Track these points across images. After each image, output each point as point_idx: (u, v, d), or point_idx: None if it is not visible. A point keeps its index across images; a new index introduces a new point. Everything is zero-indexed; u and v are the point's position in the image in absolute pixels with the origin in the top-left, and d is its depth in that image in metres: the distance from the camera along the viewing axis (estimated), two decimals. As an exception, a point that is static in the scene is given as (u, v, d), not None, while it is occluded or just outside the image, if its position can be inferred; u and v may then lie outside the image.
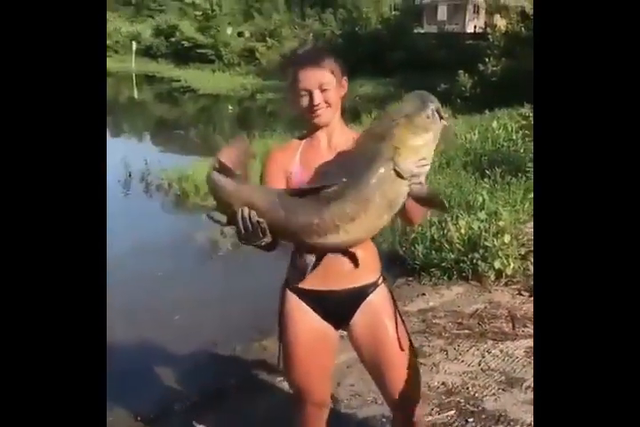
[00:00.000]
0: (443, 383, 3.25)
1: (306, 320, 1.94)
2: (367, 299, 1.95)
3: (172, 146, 13.27)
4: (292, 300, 1.96)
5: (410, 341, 2.02)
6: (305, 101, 1.84)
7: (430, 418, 2.91)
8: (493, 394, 3.12)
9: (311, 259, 1.72)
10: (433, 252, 5.01)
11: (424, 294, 4.62)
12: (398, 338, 1.95)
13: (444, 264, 4.89)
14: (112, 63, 36.33)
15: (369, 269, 1.95)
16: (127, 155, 9.01)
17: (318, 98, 1.83)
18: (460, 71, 15.85)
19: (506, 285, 4.65)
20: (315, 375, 2.00)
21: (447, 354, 3.60)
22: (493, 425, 2.84)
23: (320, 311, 1.95)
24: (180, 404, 3.26)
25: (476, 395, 3.12)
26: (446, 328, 3.97)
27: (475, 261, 4.76)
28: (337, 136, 1.91)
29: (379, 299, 1.96)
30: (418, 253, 5.05)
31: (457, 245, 4.93)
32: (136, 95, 26.93)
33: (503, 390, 3.15)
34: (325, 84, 1.84)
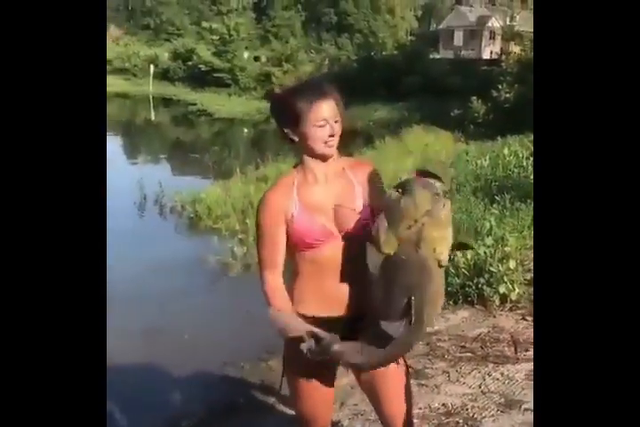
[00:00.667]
0: (443, 404, 3.33)
1: None
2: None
3: (188, 169, 13.47)
4: None
5: (405, 364, 2.06)
6: (322, 132, 1.85)
7: (429, 438, 3.00)
8: (492, 415, 3.19)
9: None
10: (439, 276, 5.09)
11: (429, 318, 4.70)
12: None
13: (449, 289, 4.97)
14: (130, 86, 36.97)
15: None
16: (143, 177, 9.20)
17: (337, 128, 1.87)
18: (474, 97, 16.03)
19: (510, 310, 4.72)
20: (318, 401, 2.05)
21: (449, 376, 3.68)
22: (491, 445, 2.92)
23: None
24: (188, 421, 3.36)
25: (475, 416, 3.20)
26: (449, 351, 4.05)
27: (480, 286, 4.84)
28: (331, 168, 1.94)
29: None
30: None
31: (463, 270, 5.02)
32: (153, 117, 27.28)
33: (502, 411, 3.22)
34: (337, 115, 1.88)
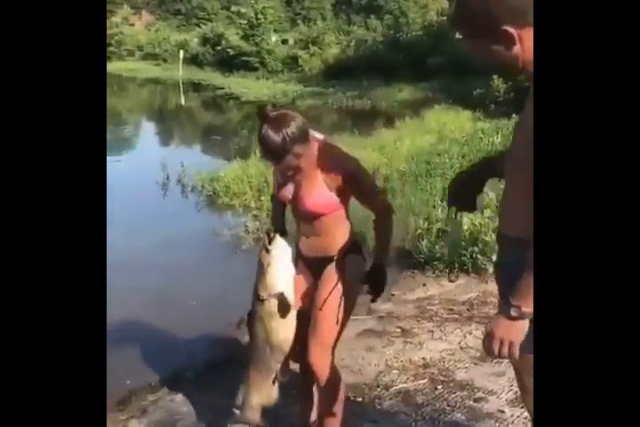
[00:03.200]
0: (423, 358, 3.62)
1: None
2: (327, 266, 2.46)
3: (210, 151, 13.84)
4: None
5: (341, 307, 2.44)
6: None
7: (404, 385, 3.29)
8: (465, 367, 3.48)
9: None
10: (436, 246, 5.36)
11: (424, 285, 4.98)
12: (325, 299, 2.42)
13: (446, 258, 5.23)
14: (161, 71, 37.42)
15: (331, 249, 2.47)
16: (165, 158, 9.56)
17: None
18: (495, 76, 16.06)
19: (503, 277, 4.96)
20: None
21: (433, 335, 3.96)
22: (459, 391, 3.19)
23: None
24: (190, 372, 3.70)
25: (450, 367, 3.48)
26: (438, 313, 4.33)
27: (474, 254, 5.09)
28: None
29: (331, 268, 2.46)
30: (423, 248, 5.40)
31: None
32: (183, 102, 27.62)
33: (475, 364, 3.50)
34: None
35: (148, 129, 19.78)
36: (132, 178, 9.27)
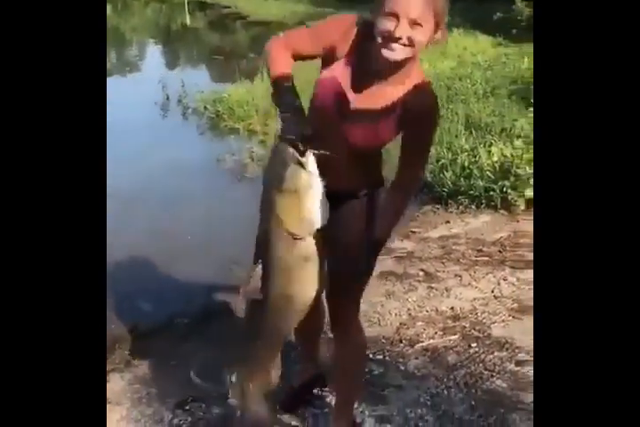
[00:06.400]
0: (451, 308, 3.14)
1: None
2: (349, 203, 1.96)
3: (212, 72, 13.12)
4: None
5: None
6: (384, 26, 1.61)
7: (431, 341, 2.82)
8: (503, 321, 3.00)
9: None
10: (462, 179, 4.81)
11: (448, 222, 4.46)
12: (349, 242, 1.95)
13: (472, 192, 4.69)
14: (165, -11, 36.02)
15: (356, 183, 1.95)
16: (164, 77, 8.90)
17: (408, 31, 1.59)
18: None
19: (536, 214, 4.45)
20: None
21: (461, 280, 3.47)
22: (497, 351, 2.73)
23: None
24: (182, 319, 3.24)
25: (484, 321, 3.00)
26: (465, 255, 3.82)
27: (505, 189, 4.55)
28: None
29: (353, 205, 1.97)
30: (446, 181, 4.86)
31: (487, 172, 4.71)
32: (189, 22, 26.56)
33: (513, 317, 3.02)
34: (419, 19, 1.59)
35: (153, 50, 18.89)
36: (133, 100, 8.68)
